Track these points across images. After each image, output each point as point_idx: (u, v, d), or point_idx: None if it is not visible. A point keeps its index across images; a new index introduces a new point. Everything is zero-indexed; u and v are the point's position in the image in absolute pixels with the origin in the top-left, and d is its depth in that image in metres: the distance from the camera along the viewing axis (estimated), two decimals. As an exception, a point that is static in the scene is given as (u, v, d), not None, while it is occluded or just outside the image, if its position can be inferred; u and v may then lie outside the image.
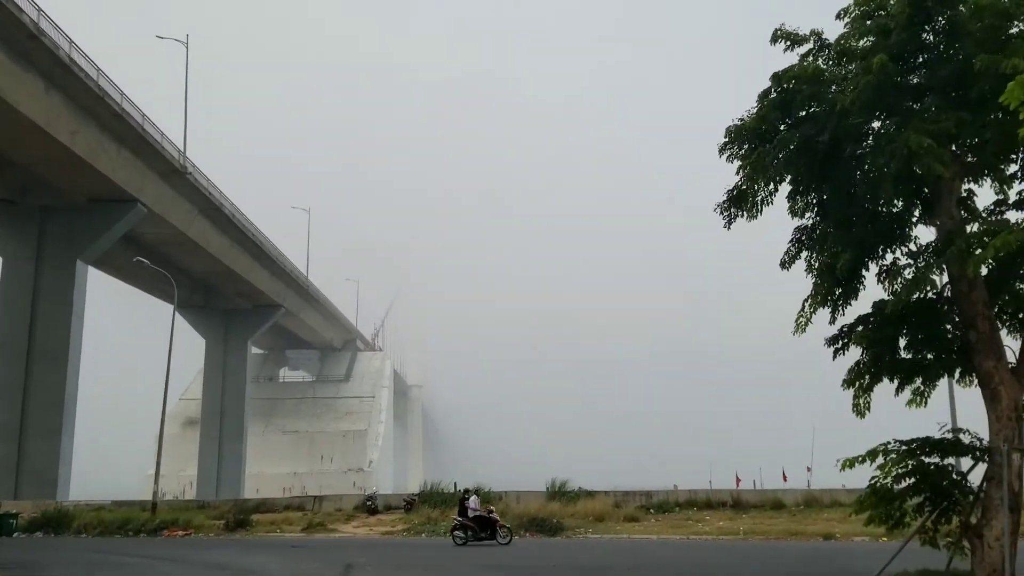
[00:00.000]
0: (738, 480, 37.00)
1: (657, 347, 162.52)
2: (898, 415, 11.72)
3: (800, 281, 11.44)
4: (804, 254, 11.48)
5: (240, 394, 70.07)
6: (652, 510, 29.86)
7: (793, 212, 11.47)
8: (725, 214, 11.47)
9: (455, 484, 32.63)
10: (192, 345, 73.70)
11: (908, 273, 10.50)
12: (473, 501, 21.94)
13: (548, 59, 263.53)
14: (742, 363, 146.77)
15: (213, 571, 14.92)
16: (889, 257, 11.07)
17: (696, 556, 17.90)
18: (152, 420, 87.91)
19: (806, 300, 11.26)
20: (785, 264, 11.61)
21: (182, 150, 48.22)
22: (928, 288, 10.45)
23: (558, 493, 30.99)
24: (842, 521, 26.73)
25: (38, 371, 42.37)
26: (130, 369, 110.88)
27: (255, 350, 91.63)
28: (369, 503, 31.93)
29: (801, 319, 11.27)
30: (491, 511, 21.70)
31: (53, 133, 36.84)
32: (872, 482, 10.82)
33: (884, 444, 10.68)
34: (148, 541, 25.27)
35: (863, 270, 10.98)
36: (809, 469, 37.70)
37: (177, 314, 73.48)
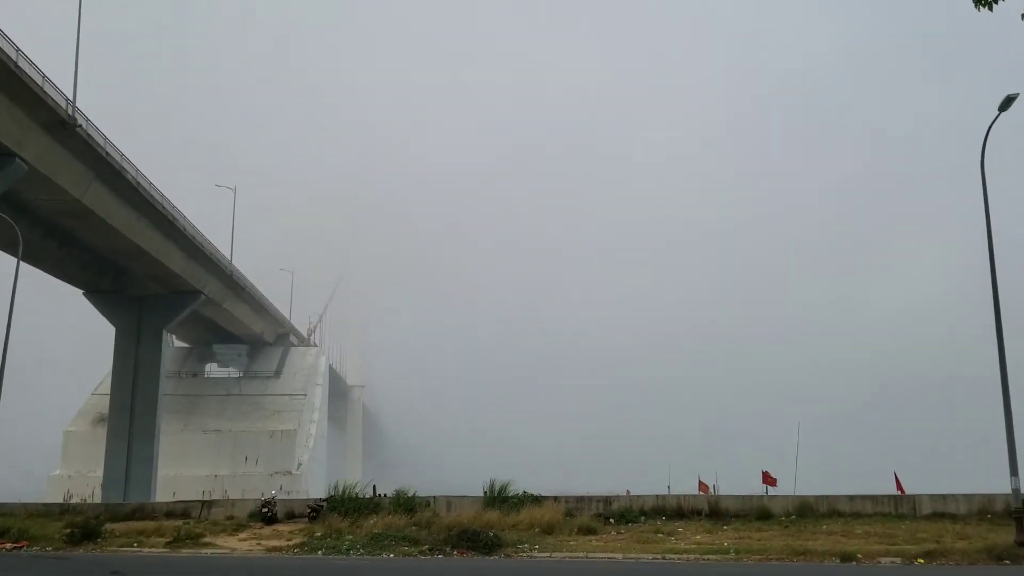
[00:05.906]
0: (703, 486, 31.70)
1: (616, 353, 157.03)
2: None
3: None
4: None
5: (153, 389, 63.00)
6: (612, 520, 24.68)
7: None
8: None
9: (374, 488, 26.82)
10: (110, 334, 66.82)
11: None
12: None
13: None
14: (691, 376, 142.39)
15: None
16: None
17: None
18: (64, 417, 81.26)
19: None
20: None
21: (71, 99, 41.60)
22: None
23: (497, 499, 25.31)
24: (847, 535, 21.79)
25: None
26: (43, 361, 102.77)
27: (178, 343, 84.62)
28: (265, 510, 25.94)
29: None
30: None
31: None
32: None
33: None
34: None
35: None
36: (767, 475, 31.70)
37: (86, 299, 67.36)
